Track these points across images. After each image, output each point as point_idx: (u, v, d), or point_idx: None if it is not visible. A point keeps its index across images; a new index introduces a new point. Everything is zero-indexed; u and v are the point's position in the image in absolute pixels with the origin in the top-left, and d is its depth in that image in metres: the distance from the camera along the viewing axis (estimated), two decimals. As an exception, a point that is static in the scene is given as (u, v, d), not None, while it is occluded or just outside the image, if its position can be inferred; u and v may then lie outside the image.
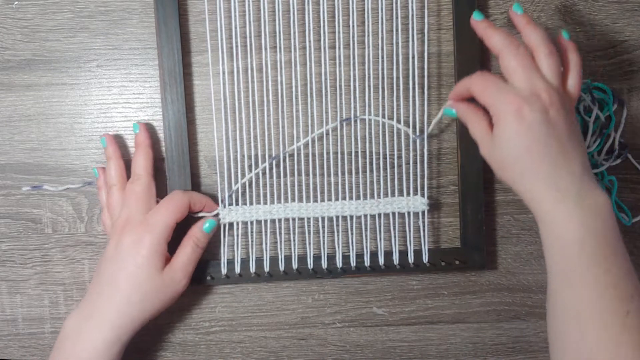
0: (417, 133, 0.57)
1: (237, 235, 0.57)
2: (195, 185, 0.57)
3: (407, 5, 0.56)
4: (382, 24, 0.56)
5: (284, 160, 0.57)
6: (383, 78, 0.57)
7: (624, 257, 0.46)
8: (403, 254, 0.57)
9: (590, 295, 0.45)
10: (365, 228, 0.58)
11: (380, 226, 0.58)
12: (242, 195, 0.57)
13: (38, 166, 0.57)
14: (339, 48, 0.56)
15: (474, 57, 0.56)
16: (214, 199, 0.57)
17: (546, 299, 0.49)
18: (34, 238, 0.58)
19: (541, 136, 0.46)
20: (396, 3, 0.56)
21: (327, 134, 0.57)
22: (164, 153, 0.56)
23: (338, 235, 0.57)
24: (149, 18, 0.57)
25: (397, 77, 0.57)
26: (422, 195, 0.57)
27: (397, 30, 0.57)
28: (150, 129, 0.57)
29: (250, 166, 0.57)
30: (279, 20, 0.55)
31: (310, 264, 0.57)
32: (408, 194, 0.57)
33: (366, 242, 0.58)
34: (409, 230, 0.57)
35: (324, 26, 0.56)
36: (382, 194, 0.57)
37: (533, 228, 0.60)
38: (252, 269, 0.57)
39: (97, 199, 0.58)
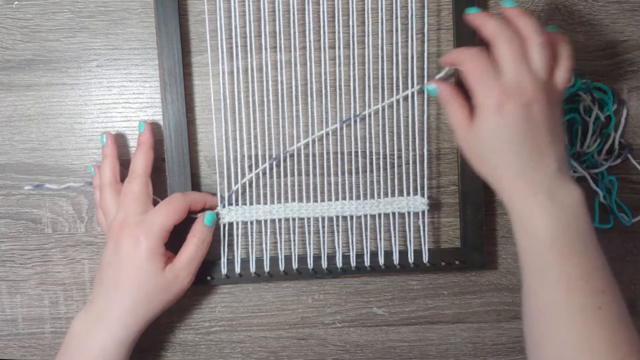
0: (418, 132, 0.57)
1: (237, 235, 0.57)
2: (195, 185, 0.57)
3: (407, 5, 0.56)
4: (382, 24, 0.56)
5: (284, 160, 0.57)
6: (383, 78, 0.57)
7: (596, 252, 0.46)
8: (403, 254, 0.57)
9: (561, 290, 0.45)
10: (365, 228, 0.58)
11: (380, 226, 0.58)
12: (242, 195, 0.57)
13: (38, 166, 0.57)
14: (339, 48, 0.56)
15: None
16: (214, 199, 0.57)
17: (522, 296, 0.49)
18: (34, 238, 0.58)
19: (520, 132, 0.46)
20: (396, 3, 0.56)
21: (327, 134, 0.57)
22: (164, 153, 0.56)
23: (338, 235, 0.57)
24: (149, 18, 0.57)
25: (397, 77, 0.57)
26: (422, 195, 0.57)
27: (397, 30, 0.57)
28: (155, 128, 0.57)
29: (250, 166, 0.57)
30: (279, 20, 0.55)
31: (310, 264, 0.57)
32: (408, 194, 0.57)
33: (366, 242, 0.58)
34: (409, 230, 0.57)
35: (324, 26, 0.56)
36: (382, 194, 0.57)
37: (533, 228, 0.60)
38: (252, 269, 0.57)
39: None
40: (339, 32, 0.56)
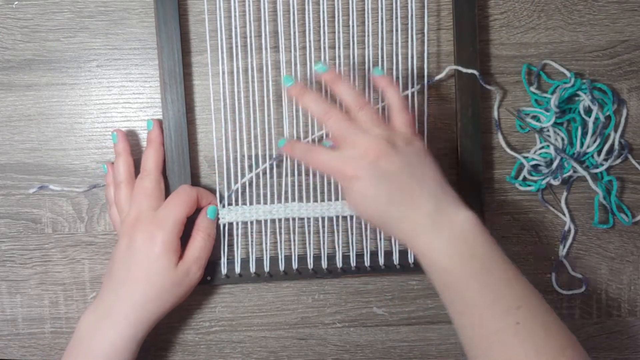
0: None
1: (237, 235, 0.57)
2: (195, 185, 0.57)
3: (406, 5, 0.56)
4: (382, 24, 0.56)
5: (284, 160, 0.57)
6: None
7: (501, 269, 0.46)
8: (403, 253, 0.57)
9: (476, 317, 0.45)
10: (365, 228, 0.58)
11: (380, 226, 0.57)
12: (242, 195, 0.57)
13: (38, 166, 0.57)
14: (339, 48, 0.56)
15: (473, 57, 0.56)
16: (214, 199, 0.57)
17: None
18: (34, 238, 0.58)
19: (380, 188, 0.47)
20: (396, 3, 0.56)
21: (327, 134, 0.57)
22: (164, 153, 0.56)
23: (338, 235, 0.57)
24: (149, 18, 0.57)
25: (397, 77, 0.57)
26: (422, 195, 0.57)
27: (396, 30, 0.57)
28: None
29: (250, 166, 0.57)
30: (279, 20, 0.55)
31: (310, 264, 0.57)
32: (408, 194, 0.57)
33: (366, 242, 0.58)
34: (409, 230, 0.57)
35: (324, 26, 0.56)
36: (382, 194, 0.57)
37: (533, 228, 0.60)
38: (252, 269, 0.57)
39: (97, 199, 0.58)
40: (339, 32, 0.56)
